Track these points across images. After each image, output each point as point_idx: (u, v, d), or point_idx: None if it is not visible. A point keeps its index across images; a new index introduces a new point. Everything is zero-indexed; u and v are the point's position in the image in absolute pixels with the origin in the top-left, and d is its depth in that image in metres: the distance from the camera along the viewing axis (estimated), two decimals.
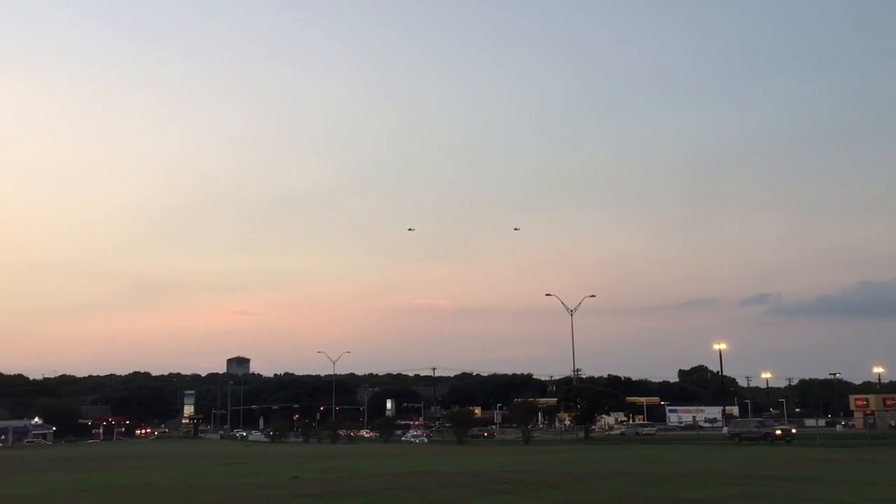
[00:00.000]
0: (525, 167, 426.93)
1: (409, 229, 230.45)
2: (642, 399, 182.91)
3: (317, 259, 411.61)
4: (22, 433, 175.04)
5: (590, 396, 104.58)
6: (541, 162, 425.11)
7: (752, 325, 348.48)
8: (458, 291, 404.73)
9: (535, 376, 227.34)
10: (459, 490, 25.54)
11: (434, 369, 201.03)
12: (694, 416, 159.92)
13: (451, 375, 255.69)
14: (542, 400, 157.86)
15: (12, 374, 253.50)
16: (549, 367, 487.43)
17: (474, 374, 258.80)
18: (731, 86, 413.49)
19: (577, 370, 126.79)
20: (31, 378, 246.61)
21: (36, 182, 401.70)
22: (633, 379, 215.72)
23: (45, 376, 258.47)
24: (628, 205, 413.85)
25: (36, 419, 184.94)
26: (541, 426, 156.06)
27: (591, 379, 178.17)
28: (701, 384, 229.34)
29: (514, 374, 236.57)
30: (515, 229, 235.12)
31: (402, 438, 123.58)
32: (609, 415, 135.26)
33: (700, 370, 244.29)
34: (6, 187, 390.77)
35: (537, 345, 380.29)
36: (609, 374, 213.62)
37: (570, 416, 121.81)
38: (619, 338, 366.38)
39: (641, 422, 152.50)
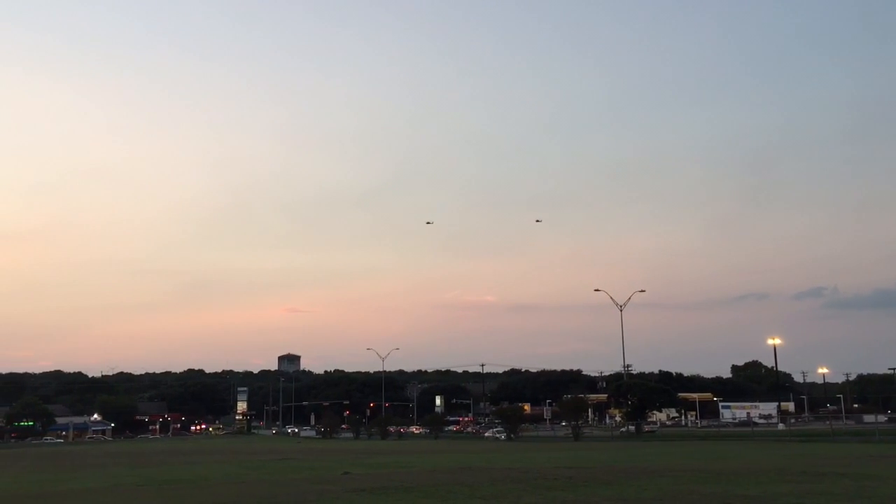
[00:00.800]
0: (574, 162, 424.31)
1: (428, 223, 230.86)
2: (694, 395, 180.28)
3: (365, 256, 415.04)
4: (82, 429, 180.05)
5: (641, 392, 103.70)
6: (590, 157, 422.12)
7: (807, 318, 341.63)
8: (506, 287, 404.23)
9: (584, 372, 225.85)
10: (510, 486, 25.57)
11: (483, 366, 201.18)
12: (748, 413, 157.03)
13: (500, 372, 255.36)
14: (592, 396, 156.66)
15: (73, 371, 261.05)
16: (598, 363, 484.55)
17: (523, 370, 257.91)
18: (782, 76, 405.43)
19: (628, 366, 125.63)
20: (90, 376, 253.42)
21: (92, 184, 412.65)
22: (685, 375, 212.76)
23: (104, 374, 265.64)
24: (678, 199, 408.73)
25: (95, 416, 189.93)
26: (591, 423, 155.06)
27: (641, 375, 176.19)
28: (755, 380, 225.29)
29: (563, 371, 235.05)
30: (537, 220, 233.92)
31: (486, 434, 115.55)
32: (661, 411, 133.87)
33: (754, 365, 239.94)
34: (64, 190, 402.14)
35: (586, 340, 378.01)
36: (660, 370, 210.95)
37: (620, 412, 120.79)
38: (669, 333, 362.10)
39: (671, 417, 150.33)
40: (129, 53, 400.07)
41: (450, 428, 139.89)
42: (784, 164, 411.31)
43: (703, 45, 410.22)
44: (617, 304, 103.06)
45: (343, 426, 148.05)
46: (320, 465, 44.21)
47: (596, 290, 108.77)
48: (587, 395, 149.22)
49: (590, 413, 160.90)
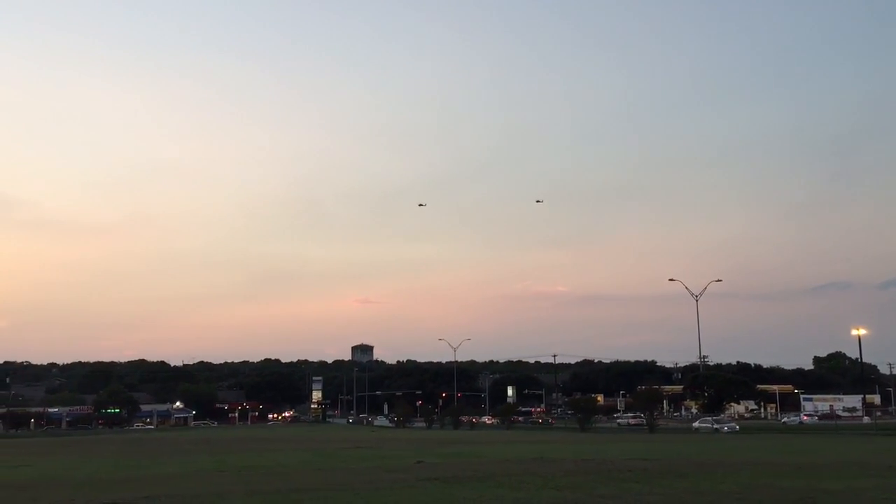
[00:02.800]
0: (646, 150, 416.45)
1: (538, 201, 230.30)
2: (774, 387, 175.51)
3: (436, 247, 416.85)
4: (165, 416, 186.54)
5: (718, 384, 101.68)
6: (663, 144, 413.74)
7: (893, 308, 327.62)
8: (578, 278, 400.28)
9: (658, 363, 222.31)
10: (584, 477, 25.39)
11: (555, 356, 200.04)
12: (831, 405, 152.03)
13: (573, 362, 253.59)
14: (667, 387, 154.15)
15: (156, 360, 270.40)
16: (673, 353, 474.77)
17: (596, 360, 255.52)
18: (865, 56, 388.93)
19: (704, 357, 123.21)
20: (172, 365, 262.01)
21: (169, 180, 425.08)
22: (764, 366, 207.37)
23: (185, 363, 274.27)
24: (755, 186, 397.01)
25: (178, 403, 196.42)
26: (666, 414, 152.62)
27: (718, 366, 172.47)
28: (838, 372, 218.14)
29: (636, 361, 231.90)
30: (538, 201, 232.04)
31: (619, 422, 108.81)
32: (738, 403, 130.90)
33: (837, 357, 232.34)
34: (145, 185, 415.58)
35: (661, 331, 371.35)
36: (738, 362, 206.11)
37: (696, 404, 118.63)
38: (747, 324, 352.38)
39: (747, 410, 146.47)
40: (199, 55, 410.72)
41: (527, 420, 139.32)
42: (867, 148, 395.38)
43: (781, 26, 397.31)
44: (692, 294, 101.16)
45: (416, 416, 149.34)
46: (394, 453, 44.74)
47: (670, 280, 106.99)
48: (662, 387, 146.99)
49: (665, 405, 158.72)
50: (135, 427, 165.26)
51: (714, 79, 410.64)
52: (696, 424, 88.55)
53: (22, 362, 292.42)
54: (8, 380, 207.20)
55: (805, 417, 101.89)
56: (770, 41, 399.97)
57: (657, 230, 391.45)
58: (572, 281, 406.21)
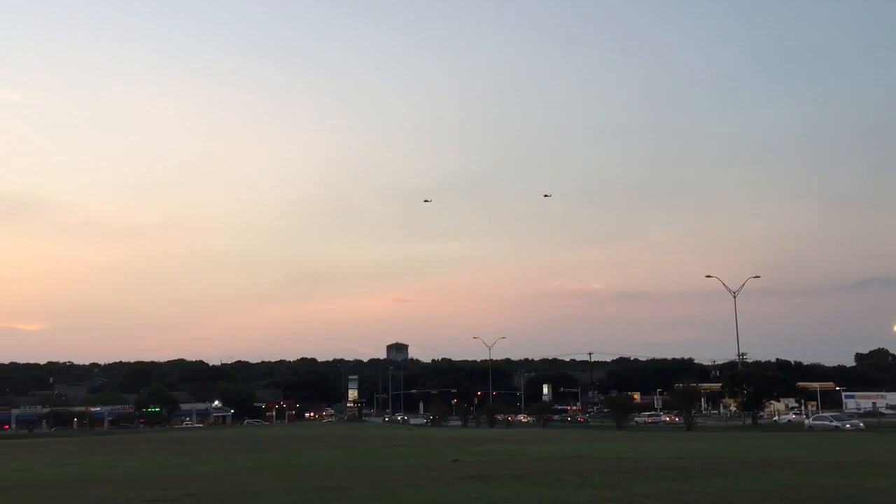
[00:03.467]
0: (681, 143, 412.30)
1: (546, 195, 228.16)
2: (815, 384, 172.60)
3: (470, 245, 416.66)
4: (203, 415, 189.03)
5: (757, 381, 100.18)
6: (698, 137, 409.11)
7: None
8: (612, 275, 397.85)
9: (696, 361, 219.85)
10: (621, 475, 25.16)
11: (590, 354, 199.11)
12: (874, 403, 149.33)
13: (608, 360, 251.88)
14: (705, 385, 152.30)
15: (194, 360, 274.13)
16: (710, 351, 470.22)
17: (632, 358, 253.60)
18: None
19: (743, 354, 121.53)
20: (210, 364, 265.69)
21: (206, 181, 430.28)
22: (804, 363, 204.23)
23: (223, 362, 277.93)
24: (794, 179, 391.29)
25: (216, 402, 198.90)
26: (704, 412, 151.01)
27: (757, 363, 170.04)
28: (881, 368, 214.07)
29: (673, 359, 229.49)
30: (546, 195, 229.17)
31: (780, 419, 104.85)
32: (778, 400, 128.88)
33: (880, 353, 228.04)
34: (181, 187, 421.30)
35: (698, 328, 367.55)
36: (777, 359, 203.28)
37: (735, 401, 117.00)
38: (787, 320, 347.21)
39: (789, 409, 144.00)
40: (233, 59, 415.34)
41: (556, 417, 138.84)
42: None
43: (820, 15, 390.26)
44: (730, 291, 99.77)
45: (451, 414, 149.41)
46: (430, 452, 44.76)
47: (707, 277, 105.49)
48: (700, 384, 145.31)
49: (703, 403, 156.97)
50: (183, 426, 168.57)
51: (752, 71, 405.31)
52: (809, 421, 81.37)
53: (65, 362, 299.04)
54: (52, 380, 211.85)
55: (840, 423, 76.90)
56: (807, 32, 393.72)
57: (693, 226, 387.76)
58: (607, 278, 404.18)
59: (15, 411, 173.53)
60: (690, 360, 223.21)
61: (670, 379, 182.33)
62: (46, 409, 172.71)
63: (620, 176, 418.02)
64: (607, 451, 41.63)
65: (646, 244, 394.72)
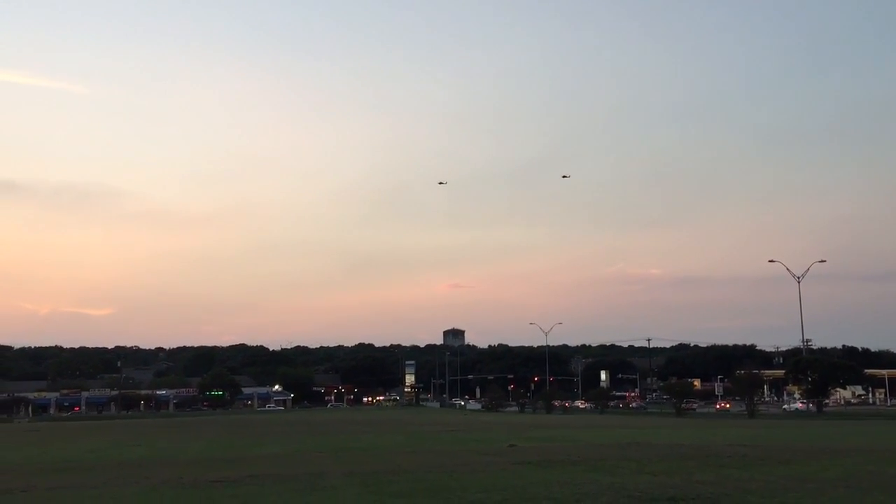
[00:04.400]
0: (744, 125, 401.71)
1: (564, 176, 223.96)
2: (883, 371, 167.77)
3: (526, 231, 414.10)
4: (264, 398, 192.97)
5: (822, 368, 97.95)
6: (763, 118, 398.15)
7: None
8: (671, 260, 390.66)
9: (758, 347, 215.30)
10: (680, 462, 24.93)
11: (649, 340, 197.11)
12: None
13: (667, 346, 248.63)
14: (768, 372, 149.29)
15: (255, 345, 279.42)
16: (773, 337, 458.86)
17: (692, 344, 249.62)
18: None
19: (807, 340, 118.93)
20: (270, 349, 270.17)
21: (269, 170, 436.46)
22: (872, 350, 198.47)
23: (283, 347, 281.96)
24: (864, 159, 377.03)
25: (276, 387, 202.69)
26: (767, 399, 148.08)
27: (822, 350, 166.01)
28: None
29: (735, 345, 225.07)
30: (564, 176, 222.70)
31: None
32: (844, 388, 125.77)
33: None
34: (244, 177, 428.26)
35: (760, 314, 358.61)
36: (843, 345, 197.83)
37: (799, 389, 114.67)
38: (854, 306, 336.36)
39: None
40: (293, 52, 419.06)
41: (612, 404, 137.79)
42: None
43: None
44: (794, 276, 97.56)
45: (508, 400, 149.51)
46: (486, 437, 44.98)
47: (770, 261, 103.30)
48: (762, 371, 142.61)
49: (765, 390, 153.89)
50: (267, 408, 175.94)
51: (816, 50, 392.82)
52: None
53: (132, 347, 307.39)
54: (119, 364, 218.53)
55: None
56: (871, 8, 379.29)
57: (756, 209, 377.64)
58: (666, 263, 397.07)
59: (85, 394, 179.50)
60: (753, 347, 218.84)
61: (731, 365, 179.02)
62: (115, 392, 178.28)
63: (679, 159, 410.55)
64: (666, 437, 41.26)
65: (706, 229, 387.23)
